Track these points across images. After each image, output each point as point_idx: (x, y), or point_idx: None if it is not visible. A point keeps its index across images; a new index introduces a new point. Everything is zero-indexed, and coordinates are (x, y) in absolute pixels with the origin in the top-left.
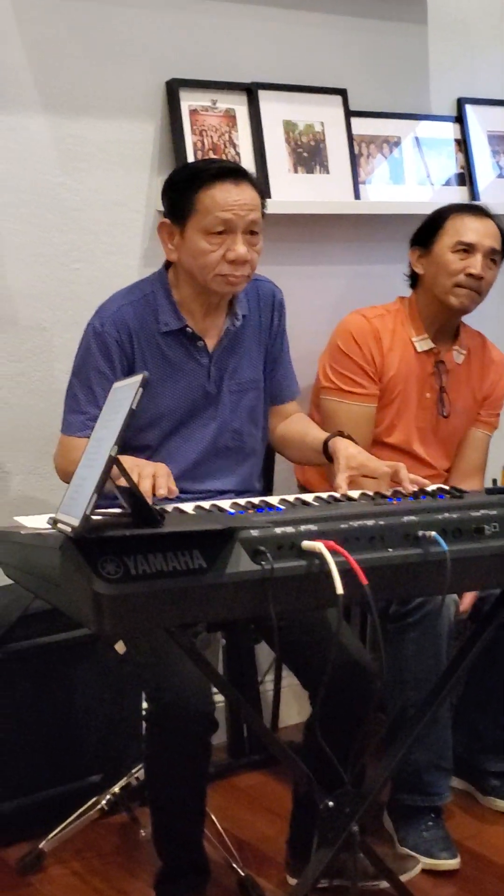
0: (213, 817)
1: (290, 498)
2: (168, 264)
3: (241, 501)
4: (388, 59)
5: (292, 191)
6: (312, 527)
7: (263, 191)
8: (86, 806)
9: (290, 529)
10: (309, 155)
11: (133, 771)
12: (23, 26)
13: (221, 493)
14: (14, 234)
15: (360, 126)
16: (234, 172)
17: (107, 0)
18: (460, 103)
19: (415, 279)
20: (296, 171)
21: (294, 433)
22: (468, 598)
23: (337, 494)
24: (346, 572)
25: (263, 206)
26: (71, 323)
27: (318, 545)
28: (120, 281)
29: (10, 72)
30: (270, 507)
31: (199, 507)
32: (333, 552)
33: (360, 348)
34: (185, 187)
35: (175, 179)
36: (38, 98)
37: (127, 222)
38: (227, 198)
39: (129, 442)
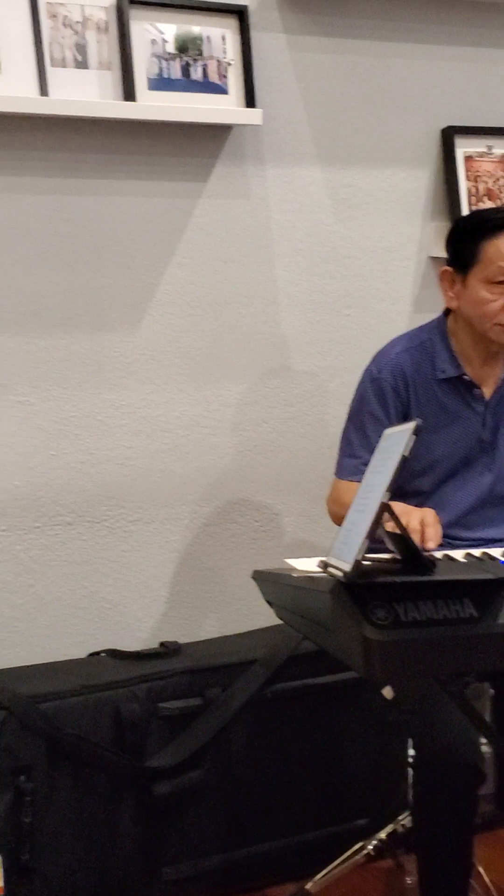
0: (481, 869)
1: None
2: (447, 311)
3: None
4: None
5: None
6: None
7: None
8: (352, 850)
9: None
10: None
11: (400, 817)
12: (302, 83)
13: (494, 542)
14: (289, 282)
15: None
16: None
17: (383, 53)
18: None
19: None
20: None
21: None
22: None
23: None
24: None
25: None
26: (341, 368)
27: None
28: (391, 327)
29: (289, 126)
30: None
31: (469, 555)
32: None
33: None
34: (469, 236)
35: (460, 227)
36: (314, 150)
37: (399, 269)
38: None
39: (403, 487)
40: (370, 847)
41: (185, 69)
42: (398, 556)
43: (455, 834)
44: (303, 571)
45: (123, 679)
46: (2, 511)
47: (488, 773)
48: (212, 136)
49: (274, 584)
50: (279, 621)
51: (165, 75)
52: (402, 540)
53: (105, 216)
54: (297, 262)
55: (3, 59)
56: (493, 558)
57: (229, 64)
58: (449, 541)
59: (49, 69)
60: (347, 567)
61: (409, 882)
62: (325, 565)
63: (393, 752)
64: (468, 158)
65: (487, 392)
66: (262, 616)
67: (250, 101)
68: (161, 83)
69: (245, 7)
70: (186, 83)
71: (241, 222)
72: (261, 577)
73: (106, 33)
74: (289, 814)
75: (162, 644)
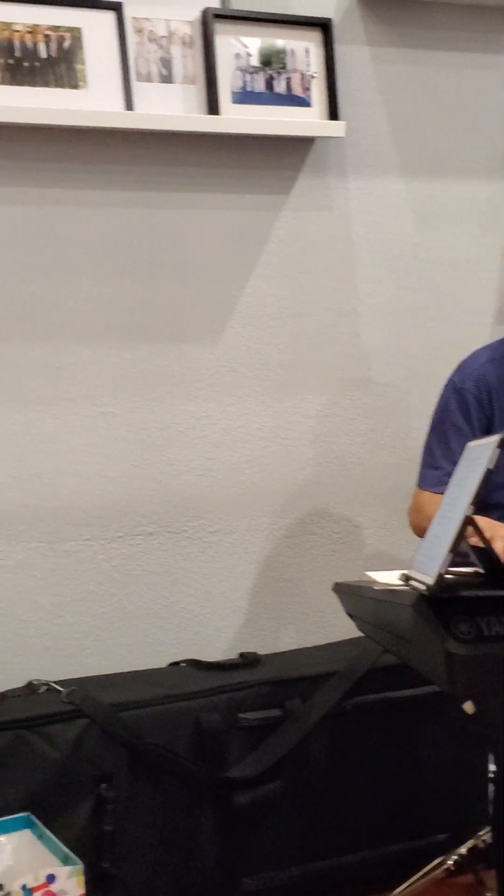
0: None
1: None
2: None
3: None
4: None
5: None
6: None
7: None
8: (432, 864)
9: None
10: None
11: (480, 833)
12: (385, 95)
13: None
14: (370, 293)
15: None
16: None
17: (467, 64)
18: None
19: None
20: None
21: None
22: None
23: None
24: None
25: None
26: (423, 380)
27: None
28: (472, 340)
29: (372, 138)
30: None
31: None
32: None
33: None
34: None
35: None
36: (397, 161)
37: (480, 281)
38: None
39: (484, 500)
40: (450, 862)
41: (269, 82)
42: (481, 570)
43: None
44: (384, 584)
45: (203, 689)
46: (84, 521)
47: None
48: (295, 148)
49: (355, 596)
50: (359, 633)
51: (249, 89)
52: (486, 554)
53: (188, 229)
54: (379, 274)
55: (89, 74)
56: None
57: (313, 77)
58: None
59: (134, 84)
60: (430, 580)
61: None
62: (406, 578)
63: (474, 766)
64: None
65: None
66: (342, 628)
67: (333, 113)
68: (245, 96)
69: (329, 20)
70: (270, 96)
71: (323, 234)
72: (342, 590)
73: (191, 48)
74: (368, 827)
75: (241, 655)
